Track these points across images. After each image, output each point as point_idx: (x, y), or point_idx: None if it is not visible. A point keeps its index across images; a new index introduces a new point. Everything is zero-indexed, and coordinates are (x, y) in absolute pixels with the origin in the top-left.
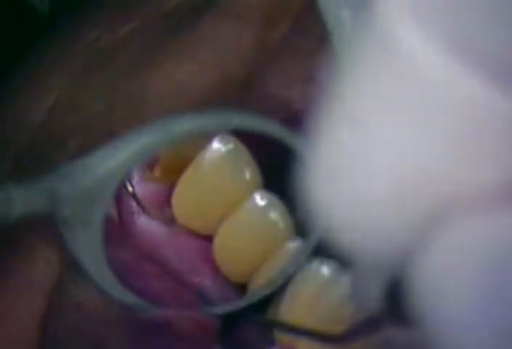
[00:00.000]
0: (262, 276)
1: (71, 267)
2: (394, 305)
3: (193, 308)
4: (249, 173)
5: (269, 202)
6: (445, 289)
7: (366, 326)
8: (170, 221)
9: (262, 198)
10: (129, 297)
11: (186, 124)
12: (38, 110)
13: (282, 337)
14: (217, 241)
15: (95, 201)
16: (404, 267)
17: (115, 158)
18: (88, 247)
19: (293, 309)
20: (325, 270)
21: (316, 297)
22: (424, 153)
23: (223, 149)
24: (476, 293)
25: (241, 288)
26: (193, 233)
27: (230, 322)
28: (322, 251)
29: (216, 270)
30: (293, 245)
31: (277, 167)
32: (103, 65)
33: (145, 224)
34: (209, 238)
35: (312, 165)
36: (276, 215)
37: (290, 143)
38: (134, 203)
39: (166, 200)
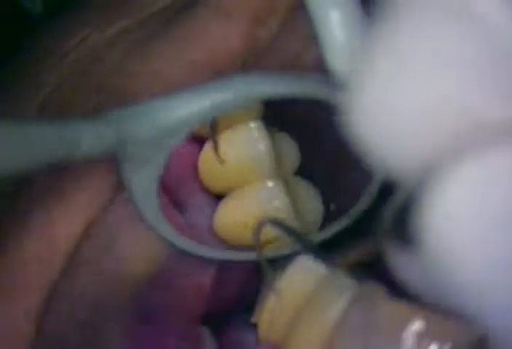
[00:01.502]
0: (236, 197)
1: (66, 260)
2: (401, 226)
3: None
4: None
5: (262, 135)
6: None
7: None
8: None
9: (256, 128)
10: (177, 238)
11: (266, 86)
12: (27, 108)
13: (267, 337)
14: (204, 152)
15: (161, 145)
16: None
17: (189, 108)
18: (144, 187)
19: (280, 307)
20: (313, 267)
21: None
22: (460, 89)
23: None
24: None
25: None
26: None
27: (221, 322)
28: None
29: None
30: (271, 184)
31: None
32: (92, 64)
33: None
34: None
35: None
36: (264, 149)
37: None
38: None
39: None
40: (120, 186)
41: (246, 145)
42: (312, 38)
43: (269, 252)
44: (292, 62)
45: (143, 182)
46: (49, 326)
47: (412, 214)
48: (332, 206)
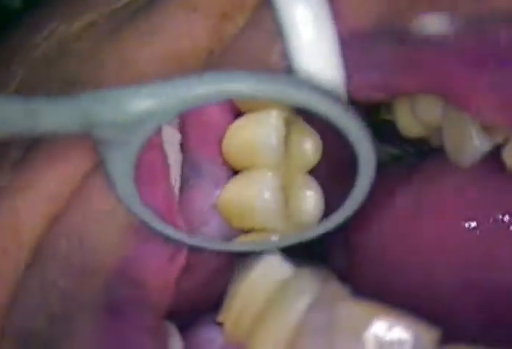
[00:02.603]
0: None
1: (31, 252)
2: None
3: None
4: None
5: (277, 124)
6: None
7: None
8: None
9: (275, 116)
10: (151, 218)
11: (244, 84)
12: None
13: (232, 336)
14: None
15: (133, 131)
16: None
17: (166, 98)
18: (120, 170)
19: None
20: (278, 266)
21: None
22: None
23: None
24: None
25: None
26: None
27: (190, 321)
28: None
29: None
30: (269, 174)
31: None
32: (59, 57)
33: None
34: None
35: None
36: (275, 138)
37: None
38: None
39: None
40: (85, 179)
41: (258, 129)
42: (278, 34)
43: (241, 246)
44: (257, 58)
45: (119, 165)
46: (19, 320)
47: None
48: None
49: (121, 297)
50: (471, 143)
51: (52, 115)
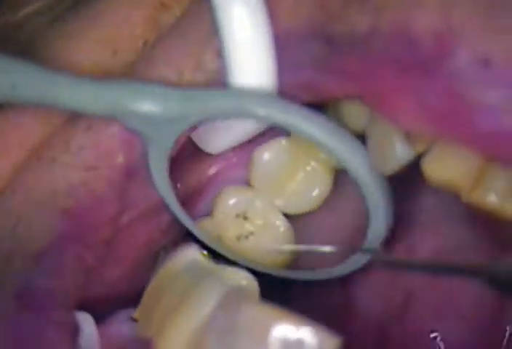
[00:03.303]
0: None
1: None
2: None
3: None
4: None
5: None
6: None
7: None
8: None
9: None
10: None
11: (269, 111)
12: None
13: (144, 332)
14: None
15: (167, 127)
16: None
17: (195, 106)
18: (154, 162)
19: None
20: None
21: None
22: None
23: None
24: None
25: None
26: None
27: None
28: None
29: None
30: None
31: None
32: (3, 42)
33: None
34: None
35: None
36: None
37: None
38: None
39: None
40: (29, 160)
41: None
42: (214, 30)
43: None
44: (194, 50)
45: (153, 157)
46: None
47: None
48: None
49: (36, 285)
50: (394, 151)
51: (73, 93)
